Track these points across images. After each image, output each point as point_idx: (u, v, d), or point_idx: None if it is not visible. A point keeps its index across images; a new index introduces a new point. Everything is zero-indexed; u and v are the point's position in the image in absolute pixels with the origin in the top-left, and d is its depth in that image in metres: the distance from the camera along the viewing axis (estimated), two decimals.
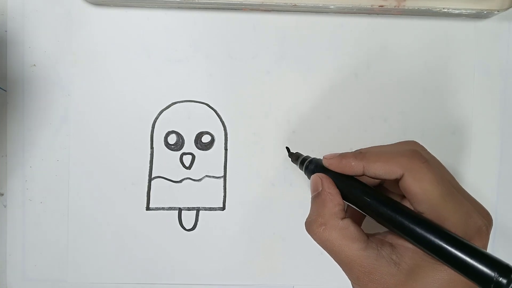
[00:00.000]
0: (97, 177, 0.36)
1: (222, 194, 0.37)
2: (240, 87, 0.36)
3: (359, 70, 0.36)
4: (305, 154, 0.33)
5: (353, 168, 0.29)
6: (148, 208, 0.36)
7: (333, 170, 0.29)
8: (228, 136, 0.36)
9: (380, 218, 0.27)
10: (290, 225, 0.37)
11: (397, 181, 0.28)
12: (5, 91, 0.36)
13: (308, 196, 0.36)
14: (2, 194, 0.36)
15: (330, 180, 0.29)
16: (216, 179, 0.36)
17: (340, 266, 0.28)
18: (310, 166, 0.31)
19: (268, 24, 0.36)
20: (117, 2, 0.35)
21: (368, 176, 0.29)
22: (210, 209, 0.36)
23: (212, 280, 0.37)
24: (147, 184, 0.36)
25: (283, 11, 0.36)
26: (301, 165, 0.33)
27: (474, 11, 0.34)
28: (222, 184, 0.36)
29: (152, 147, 0.36)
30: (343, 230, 0.27)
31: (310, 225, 0.28)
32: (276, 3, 0.33)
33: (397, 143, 0.30)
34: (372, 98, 0.37)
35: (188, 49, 0.36)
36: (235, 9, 0.36)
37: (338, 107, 0.37)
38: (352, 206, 0.29)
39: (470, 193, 0.29)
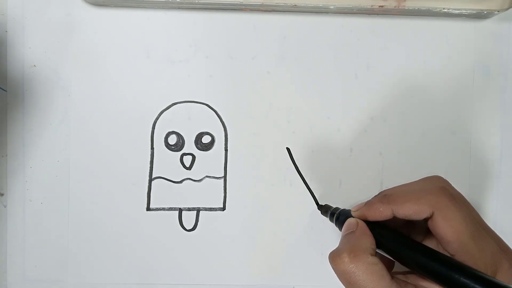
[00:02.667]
0: (97, 178, 0.36)
1: (223, 194, 0.37)
2: (240, 87, 0.36)
3: (359, 70, 0.36)
4: (334, 206, 0.34)
5: (382, 213, 0.29)
6: (148, 209, 0.36)
7: (363, 219, 0.30)
8: (228, 136, 0.36)
9: (416, 267, 0.27)
10: (290, 225, 0.37)
11: (425, 220, 0.28)
12: (5, 91, 0.36)
13: (308, 196, 0.36)
14: (2, 194, 0.36)
15: (365, 224, 0.29)
16: (216, 179, 0.36)
17: None
18: (341, 217, 0.32)
19: (268, 24, 0.36)
20: (117, 3, 0.35)
21: (398, 218, 0.28)
22: (211, 209, 0.36)
23: (212, 280, 0.37)
24: (147, 184, 0.36)
25: (283, 11, 0.36)
26: (331, 216, 0.33)
27: (474, 11, 0.34)
28: (222, 185, 0.36)
29: (152, 148, 0.36)
30: (372, 266, 0.27)
31: (338, 255, 0.27)
32: (276, 3, 0.33)
33: (422, 179, 0.30)
34: (372, 98, 0.37)
35: (188, 49, 0.36)
36: (235, 9, 0.36)
37: (338, 107, 0.37)
38: (385, 254, 0.29)
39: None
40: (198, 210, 0.36)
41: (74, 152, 0.36)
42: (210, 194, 0.36)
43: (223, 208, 0.37)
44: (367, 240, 0.28)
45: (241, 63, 0.36)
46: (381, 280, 0.26)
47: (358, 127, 0.37)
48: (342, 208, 0.33)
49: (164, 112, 0.36)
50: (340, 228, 0.32)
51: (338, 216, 0.32)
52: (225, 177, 0.36)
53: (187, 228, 0.36)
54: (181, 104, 0.36)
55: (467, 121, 0.37)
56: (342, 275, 0.27)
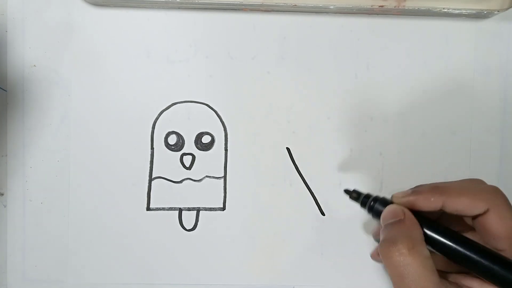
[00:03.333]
0: (98, 178, 0.36)
1: (222, 194, 0.37)
2: (240, 87, 0.36)
3: (359, 70, 0.36)
4: (364, 192, 0.33)
5: (432, 204, 0.28)
6: (148, 209, 0.36)
7: (406, 207, 0.29)
8: (228, 136, 0.36)
9: (462, 260, 0.27)
10: (290, 225, 0.37)
11: (471, 217, 0.28)
12: (5, 91, 0.36)
13: (308, 196, 0.36)
14: (2, 194, 0.36)
15: (412, 214, 0.28)
16: (216, 179, 0.36)
17: None
18: (376, 206, 0.31)
19: (268, 24, 0.36)
20: (117, 3, 0.35)
21: (446, 211, 0.28)
22: (211, 209, 0.36)
23: (212, 280, 0.37)
24: (147, 184, 0.36)
25: (283, 11, 0.36)
26: (363, 204, 0.32)
27: (474, 11, 0.34)
28: (222, 185, 0.36)
29: (152, 148, 0.36)
30: (427, 260, 0.26)
31: (393, 245, 0.26)
32: (276, 3, 0.33)
33: (468, 179, 0.30)
34: (372, 98, 0.37)
35: (188, 49, 0.36)
36: (235, 9, 0.36)
37: (338, 107, 0.37)
38: (429, 247, 0.28)
39: None
40: (198, 210, 0.36)
41: (74, 152, 0.36)
42: (210, 194, 0.36)
43: (223, 208, 0.37)
44: (419, 230, 0.27)
45: (241, 63, 0.36)
46: (433, 276, 0.26)
47: (358, 127, 0.37)
48: (374, 195, 0.32)
49: (164, 112, 0.36)
50: (375, 217, 0.31)
51: (372, 205, 0.31)
52: (225, 177, 0.36)
53: (187, 228, 0.36)
54: (181, 104, 0.36)
55: (467, 121, 0.37)
56: (396, 267, 0.26)
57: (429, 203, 0.28)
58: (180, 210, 0.36)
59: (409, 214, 0.28)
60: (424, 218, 0.29)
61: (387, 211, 0.29)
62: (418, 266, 0.26)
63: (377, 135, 0.37)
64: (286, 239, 0.37)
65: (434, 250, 0.28)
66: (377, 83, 0.37)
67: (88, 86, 0.36)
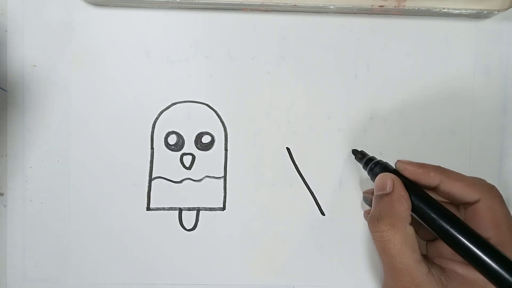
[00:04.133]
0: (98, 178, 0.36)
1: (222, 194, 0.37)
2: (240, 87, 0.36)
3: (359, 70, 0.36)
4: (370, 154, 0.34)
5: (430, 178, 0.29)
6: (148, 209, 0.36)
7: (406, 175, 0.30)
8: (228, 136, 0.36)
9: (446, 236, 0.28)
10: (290, 225, 0.37)
11: (460, 205, 0.29)
12: (5, 91, 0.36)
13: (308, 196, 0.36)
14: (2, 194, 0.36)
15: (402, 183, 0.29)
16: (216, 179, 0.36)
17: (388, 271, 0.28)
18: (376, 168, 0.32)
19: (268, 24, 0.36)
20: (117, 3, 0.35)
21: (439, 193, 0.29)
22: (211, 209, 0.36)
23: (212, 280, 0.37)
24: (147, 184, 0.36)
25: (283, 11, 0.36)
26: (365, 165, 0.33)
27: (474, 11, 0.34)
28: (222, 185, 0.36)
29: (152, 148, 0.36)
30: (407, 237, 0.28)
31: (377, 222, 0.28)
32: (276, 3, 0.33)
33: (472, 176, 0.30)
34: (372, 98, 0.37)
35: (188, 49, 0.36)
36: (235, 9, 0.36)
37: (338, 107, 0.37)
38: (417, 218, 0.29)
39: None
40: (198, 210, 0.36)
41: (74, 152, 0.36)
42: (210, 194, 0.36)
43: (223, 208, 0.37)
44: (405, 205, 0.28)
45: (241, 63, 0.36)
46: (413, 253, 0.27)
47: (358, 127, 0.37)
48: (378, 158, 0.33)
49: (164, 112, 0.36)
50: (373, 179, 0.32)
51: (372, 167, 0.32)
52: (225, 177, 0.36)
53: (187, 228, 0.36)
54: (181, 104, 0.36)
55: (467, 121, 0.37)
56: (378, 242, 0.28)
57: (428, 177, 0.29)
58: (180, 210, 0.36)
59: (399, 187, 0.29)
60: (419, 190, 0.29)
61: (378, 180, 0.30)
62: (398, 242, 0.27)
63: (377, 135, 0.37)
64: (286, 239, 0.37)
65: (421, 221, 0.29)
66: (377, 83, 0.37)
67: (88, 86, 0.36)
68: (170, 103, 0.36)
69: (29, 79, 0.36)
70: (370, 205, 0.33)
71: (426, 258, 0.28)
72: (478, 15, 0.35)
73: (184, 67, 0.36)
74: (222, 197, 0.36)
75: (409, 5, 0.33)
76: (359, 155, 0.34)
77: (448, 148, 0.37)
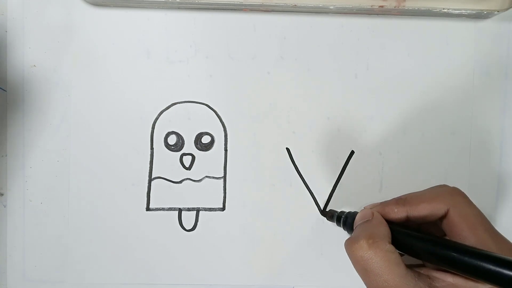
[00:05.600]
0: (97, 178, 0.36)
1: (222, 194, 0.37)
2: (240, 87, 0.36)
3: (359, 70, 0.36)
4: (338, 210, 0.34)
5: (396, 214, 0.29)
6: (148, 209, 0.36)
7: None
8: (228, 136, 0.36)
9: (432, 258, 0.27)
10: (290, 226, 0.37)
11: (436, 221, 0.28)
12: (5, 91, 0.36)
13: (308, 196, 0.36)
14: (2, 194, 0.36)
15: (380, 215, 0.29)
16: (216, 179, 0.36)
17: None
18: (348, 220, 0.32)
19: (268, 24, 0.36)
20: (117, 3, 0.35)
21: (413, 222, 0.29)
22: (210, 209, 0.36)
23: (212, 280, 0.37)
24: (147, 184, 0.36)
25: (283, 11, 0.36)
26: (337, 221, 0.34)
27: (474, 11, 0.34)
28: (222, 185, 0.36)
29: (152, 148, 0.36)
30: (389, 254, 0.27)
31: (356, 241, 0.27)
32: (276, 3, 0.33)
33: (432, 187, 0.30)
34: (372, 98, 0.37)
35: (188, 49, 0.36)
36: (235, 10, 0.36)
37: (338, 107, 0.37)
38: (399, 251, 0.28)
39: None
40: (197, 210, 0.36)
41: (74, 152, 0.36)
42: (210, 194, 0.36)
43: (223, 208, 0.37)
44: (384, 228, 0.28)
45: (241, 63, 0.36)
46: (397, 268, 0.26)
47: (358, 127, 0.37)
48: (347, 211, 0.33)
49: (164, 112, 0.36)
50: (349, 231, 0.32)
51: (345, 220, 0.32)
52: (224, 177, 0.36)
53: (187, 228, 0.36)
54: (181, 104, 0.36)
55: (467, 121, 0.37)
56: (358, 262, 0.27)
57: (394, 214, 0.29)
58: (180, 210, 0.36)
59: (378, 215, 0.29)
60: (397, 226, 0.29)
61: (359, 215, 0.30)
62: (379, 259, 0.26)
63: (377, 135, 0.37)
64: (286, 239, 0.37)
65: (406, 254, 0.29)
66: (377, 83, 0.37)
67: (88, 86, 0.36)
68: (170, 103, 0.36)
69: (29, 79, 0.36)
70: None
71: (412, 270, 0.27)
72: (478, 15, 0.35)
73: (184, 67, 0.36)
74: (222, 197, 0.36)
75: (409, 5, 0.33)
76: (329, 214, 0.35)
77: (448, 148, 0.37)
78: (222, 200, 0.36)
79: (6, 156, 0.36)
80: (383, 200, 0.31)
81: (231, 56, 0.36)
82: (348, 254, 0.28)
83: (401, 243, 0.28)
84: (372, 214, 0.29)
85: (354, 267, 0.28)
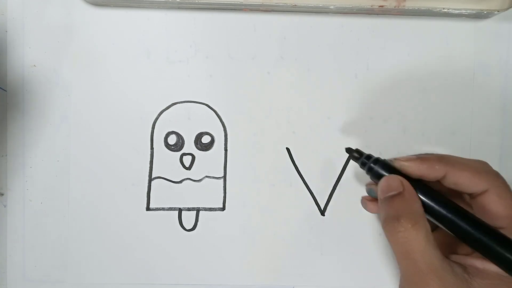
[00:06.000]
0: (97, 178, 0.36)
1: (222, 194, 0.37)
2: (240, 87, 0.36)
3: (359, 70, 0.36)
4: (366, 153, 0.32)
5: (435, 171, 0.28)
6: (148, 209, 0.36)
7: (409, 173, 0.29)
8: (228, 136, 0.36)
9: (459, 232, 0.27)
10: (290, 226, 0.37)
11: (465, 195, 0.28)
12: (5, 91, 0.36)
13: (308, 196, 0.36)
14: (2, 194, 0.36)
15: (410, 185, 0.28)
16: (216, 179, 0.36)
17: (411, 277, 0.26)
18: (376, 167, 0.30)
19: (268, 24, 0.36)
20: (117, 3, 0.35)
21: (445, 184, 0.28)
22: (210, 209, 0.36)
23: (212, 280, 0.37)
24: (147, 184, 0.36)
25: (283, 11, 0.36)
26: (363, 164, 0.32)
27: (474, 11, 0.34)
28: (222, 185, 0.36)
29: (152, 148, 0.36)
30: (429, 234, 0.26)
31: (397, 222, 0.26)
32: (276, 3, 0.33)
33: (475, 160, 0.30)
34: (372, 98, 0.37)
35: (188, 49, 0.36)
36: (235, 9, 0.36)
37: (338, 107, 0.37)
38: (430, 218, 0.28)
39: None
40: (197, 210, 0.36)
41: (74, 152, 0.36)
42: (210, 194, 0.36)
43: (223, 208, 0.37)
44: (419, 203, 0.27)
45: (241, 63, 0.36)
46: (436, 250, 0.26)
47: (358, 127, 0.37)
48: (375, 156, 0.32)
49: (164, 112, 0.36)
50: (372, 177, 0.30)
51: (371, 167, 0.31)
52: (224, 177, 0.36)
53: (187, 228, 0.36)
54: (181, 104, 0.36)
55: (467, 121, 0.37)
56: (401, 244, 0.26)
57: (433, 171, 0.28)
58: (180, 210, 0.36)
59: (408, 186, 0.28)
60: (425, 187, 0.28)
61: (385, 182, 0.29)
62: (422, 240, 0.26)
63: (377, 135, 0.37)
64: (286, 239, 0.37)
65: (433, 219, 0.28)
66: (377, 83, 0.36)
67: (88, 86, 0.36)
68: (170, 103, 0.36)
69: (29, 79, 0.36)
70: (376, 197, 0.31)
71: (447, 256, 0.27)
72: (478, 15, 0.35)
73: (184, 67, 0.36)
74: (222, 197, 0.36)
75: (409, 5, 0.33)
76: (356, 154, 0.32)
77: (448, 148, 0.37)
78: (222, 200, 0.36)
79: (6, 156, 0.36)
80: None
81: (231, 56, 0.36)
82: (387, 234, 0.27)
83: (431, 211, 0.27)
84: (402, 185, 0.28)
85: (394, 248, 0.27)
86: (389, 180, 0.29)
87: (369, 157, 0.32)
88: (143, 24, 0.36)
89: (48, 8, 0.36)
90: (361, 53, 0.36)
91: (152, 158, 0.36)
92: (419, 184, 0.29)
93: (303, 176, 0.36)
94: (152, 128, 0.36)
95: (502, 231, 0.27)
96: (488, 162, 0.37)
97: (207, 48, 0.36)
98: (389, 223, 0.27)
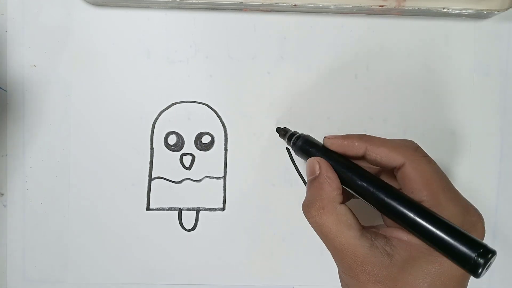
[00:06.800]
0: (97, 178, 0.36)
1: (222, 194, 0.37)
2: (240, 87, 0.36)
3: (359, 70, 0.36)
4: (293, 130, 0.33)
5: (356, 148, 0.29)
6: (148, 209, 0.36)
7: (334, 149, 0.30)
8: (228, 136, 0.36)
9: (378, 204, 0.27)
10: (290, 226, 0.37)
11: (391, 171, 0.29)
12: (5, 91, 0.36)
13: None
14: (2, 194, 0.36)
15: (328, 164, 0.29)
16: (216, 179, 0.36)
17: (333, 254, 0.28)
18: (298, 142, 0.32)
19: (268, 24, 0.36)
20: (117, 3, 0.35)
21: (368, 161, 0.29)
22: (210, 209, 0.37)
23: (212, 280, 0.37)
24: (147, 184, 0.36)
25: (283, 11, 0.36)
26: (288, 140, 0.33)
27: (474, 11, 0.34)
28: (222, 185, 0.36)
29: (152, 148, 0.36)
30: (340, 216, 0.27)
31: (308, 208, 0.28)
32: (276, 3, 0.33)
33: (398, 139, 0.30)
34: (372, 98, 0.37)
35: (188, 49, 0.36)
36: (235, 9, 0.36)
37: (338, 107, 0.37)
38: (349, 190, 0.29)
39: (470, 193, 0.29)
40: (198, 210, 0.36)
41: (74, 152, 0.36)
42: (210, 194, 0.36)
43: (223, 208, 0.37)
44: (333, 186, 0.28)
45: (241, 63, 0.36)
46: (350, 231, 0.27)
47: (358, 127, 0.37)
48: (300, 132, 0.33)
49: (164, 112, 0.36)
50: (299, 155, 0.32)
51: (295, 141, 0.32)
52: (225, 177, 0.36)
53: (187, 228, 0.37)
54: (181, 104, 0.36)
55: (467, 121, 0.37)
56: (314, 227, 0.28)
57: (354, 148, 0.29)
58: (180, 210, 0.36)
59: (324, 167, 0.29)
60: (350, 164, 0.29)
61: (307, 165, 0.30)
62: (332, 223, 0.27)
63: (377, 135, 0.37)
64: (286, 239, 0.37)
65: (356, 194, 0.29)
66: (377, 83, 0.37)
67: (88, 86, 0.36)
68: (170, 103, 0.36)
69: (29, 79, 0.36)
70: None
71: (369, 231, 0.28)
72: (478, 15, 0.35)
73: (184, 67, 0.36)
74: (222, 197, 0.37)
75: (409, 5, 0.33)
76: (282, 132, 0.34)
77: (448, 148, 0.37)
78: (222, 200, 0.37)
79: (6, 156, 0.36)
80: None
81: (231, 56, 0.36)
82: (307, 219, 0.29)
83: (352, 186, 0.28)
84: (319, 166, 0.29)
85: (314, 230, 0.28)
86: (310, 162, 0.30)
87: (294, 133, 0.33)
88: (143, 24, 0.36)
89: (48, 8, 0.36)
90: (361, 53, 0.36)
91: (152, 158, 0.36)
92: (343, 161, 0.29)
93: (303, 176, 0.36)
94: (152, 128, 0.36)
95: (423, 204, 0.27)
96: (488, 162, 0.37)
97: (207, 48, 0.36)
98: (303, 209, 0.29)
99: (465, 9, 0.34)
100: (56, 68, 0.36)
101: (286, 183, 0.37)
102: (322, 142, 0.31)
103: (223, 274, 0.37)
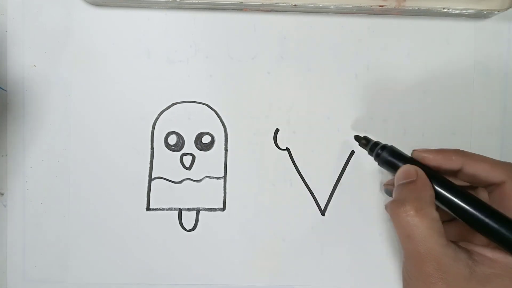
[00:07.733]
0: (98, 178, 0.36)
1: (222, 194, 0.37)
2: (240, 87, 0.36)
3: (359, 70, 0.36)
4: (374, 140, 0.33)
5: (452, 162, 0.28)
6: (148, 209, 0.36)
7: (426, 163, 0.29)
8: (228, 136, 0.36)
9: (473, 221, 0.27)
10: (290, 226, 0.37)
11: (487, 187, 0.28)
12: (5, 91, 0.36)
13: (308, 196, 0.36)
14: (2, 194, 0.36)
15: (425, 174, 0.29)
16: (216, 179, 0.36)
17: (411, 257, 0.27)
18: (383, 154, 0.31)
19: (269, 24, 0.36)
20: (117, 3, 0.35)
21: (461, 176, 0.29)
22: (210, 209, 0.36)
23: (212, 280, 0.37)
24: (147, 184, 0.36)
25: (283, 11, 0.36)
26: (370, 151, 0.32)
27: (474, 11, 0.34)
28: (222, 185, 0.36)
29: (152, 148, 0.36)
30: (434, 222, 0.27)
31: (402, 205, 0.27)
32: (277, 3, 0.33)
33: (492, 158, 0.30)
34: (372, 98, 0.37)
35: (188, 49, 0.36)
36: (235, 9, 0.36)
37: (338, 107, 0.37)
38: (442, 206, 0.28)
39: None
40: (198, 210, 0.36)
41: (74, 152, 0.36)
42: (210, 194, 0.36)
43: (223, 208, 0.37)
44: (430, 192, 0.28)
45: (241, 63, 0.36)
46: (440, 238, 0.26)
47: (358, 127, 0.37)
48: (383, 142, 0.32)
49: (164, 112, 0.36)
50: (380, 164, 0.31)
51: (379, 153, 0.31)
52: (225, 177, 0.36)
53: (187, 228, 0.36)
54: (181, 104, 0.36)
55: (467, 121, 0.37)
56: (403, 227, 0.27)
57: (450, 162, 0.28)
58: (180, 210, 0.36)
59: (422, 175, 0.28)
60: (439, 177, 0.29)
61: (400, 171, 0.29)
62: (424, 227, 0.26)
63: (377, 135, 0.37)
64: (286, 239, 0.37)
65: (448, 210, 0.28)
66: (377, 83, 0.37)
67: (88, 86, 0.36)
68: (170, 103, 0.36)
69: (29, 79, 0.36)
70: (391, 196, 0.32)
71: (452, 242, 0.27)
72: (478, 15, 0.35)
73: (184, 67, 0.36)
74: (222, 198, 0.36)
75: (409, 5, 0.33)
76: (363, 141, 0.33)
77: None
78: (222, 200, 0.36)
79: (6, 156, 0.36)
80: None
81: (231, 56, 0.36)
82: (391, 217, 0.28)
83: (444, 200, 0.28)
84: (416, 173, 0.28)
85: (396, 230, 0.28)
86: (404, 169, 0.29)
87: (377, 143, 0.32)
88: (143, 24, 0.36)
89: (48, 8, 0.36)
90: (361, 53, 0.36)
91: (152, 158, 0.36)
92: (436, 175, 0.29)
93: (303, 176, 0.36)
94: (152, 128, 0.36)
95: None
96: None
97: (207, 48, 0.36)
98: (394, 206, 0.28)
99: (465, 9, 0.34)
100: (56, 68, 0.36)
101: (286, 183, 0.37)
102: (408, 154, 0.30)
103: (223, 274, 0.37)
